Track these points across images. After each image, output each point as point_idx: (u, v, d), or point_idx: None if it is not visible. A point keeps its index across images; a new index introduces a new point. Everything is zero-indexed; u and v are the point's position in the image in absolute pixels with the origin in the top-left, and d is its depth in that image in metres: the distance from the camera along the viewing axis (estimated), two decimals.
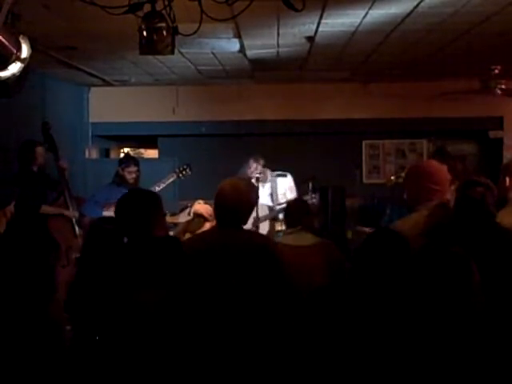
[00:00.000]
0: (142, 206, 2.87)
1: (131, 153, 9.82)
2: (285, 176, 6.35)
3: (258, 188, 5.68)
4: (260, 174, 6.05)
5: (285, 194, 6.24)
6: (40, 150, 5.89)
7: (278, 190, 6.24)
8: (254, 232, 4.61)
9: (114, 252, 3.56)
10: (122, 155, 9.32)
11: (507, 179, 3.78)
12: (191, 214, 4.37)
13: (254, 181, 5.83)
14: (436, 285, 2.39)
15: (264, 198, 6.00)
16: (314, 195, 6.05)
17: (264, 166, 6.16)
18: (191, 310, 2.66)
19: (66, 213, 5.83)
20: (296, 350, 2.65)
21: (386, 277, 2.52)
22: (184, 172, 6.27)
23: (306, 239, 3.89)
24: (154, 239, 2.82)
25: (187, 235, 4.09)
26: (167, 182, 6.09)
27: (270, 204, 6.09)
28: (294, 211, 4.08)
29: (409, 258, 2.56)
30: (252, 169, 6.06)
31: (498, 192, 3.69)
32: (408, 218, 3.42)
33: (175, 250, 2.81)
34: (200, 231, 3.98)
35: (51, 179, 6.04)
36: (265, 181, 6.17)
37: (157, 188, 6.01)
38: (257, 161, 6.11)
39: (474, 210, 3.12)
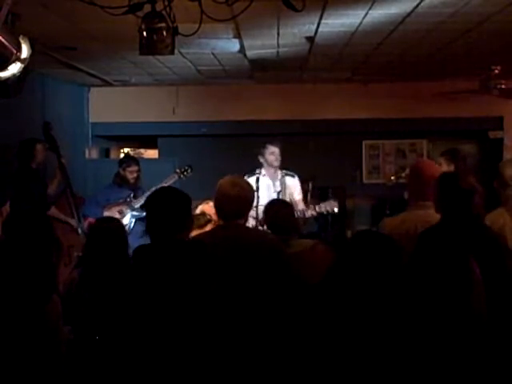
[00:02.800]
0: (175, 206, 2.76)
1: (131, 153, 9.82)
2: (293, 176, 6.08)
3: (258, 187, 5.63)
4: (280, 159, 5.83)
5: (292, 195, 5.97)
6: (40, 147, 5.88)
7: (286, 189, 5.98)
8: (260, 230, 4.60)
9: (119, 251, 3.55)
10: (121, 155, 9.34)
11: (500, 180, 3.79)
12: (197, 213, 4.35)
13: (254, 180, 5.77)
14: (436, 284, 2.38)
15: (272, 196, 5.66)
16: (314, 209, 5.83)
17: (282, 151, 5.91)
18: (185, 309, 2.66)
19: (72, 221, 5.82)
20: (294, 348, 2.65)
21: (371, 277, 2.52)
22: (185, 173, 6.28)
23: (294, 246, 3.83)
24: (180, 242, 2.74)
25: None
26: (169, 183, 6.09)
27: None
28: (275, 217, 3.97)
29: (395, 258, 2.55)
30: (275, 155, 5.81)
31: (493, 191, 3.71)
32: (396, 217, 3.45)
33: (202, 255, 2.77)
34: (197, 232, 3.98)
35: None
36: (275, 178, 5.94)
37: None
38: (275, 145, 5.85)
39: (461, 210, 3.10)
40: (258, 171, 5.85)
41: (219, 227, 3.39)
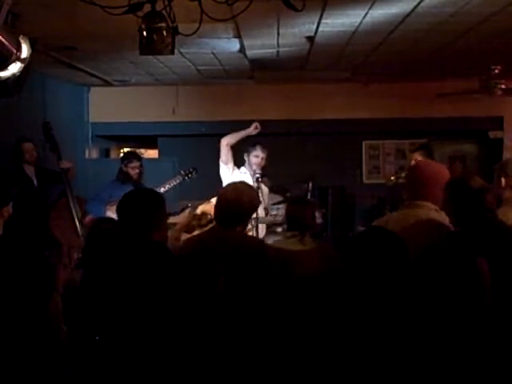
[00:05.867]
0: (144, 206, 2.85)
1: None
2: (267, 186, 6.01)
3: (261, 190, 5.60)
4: (263, 165, 5.76)
5: (263, 201, 5.75)
6: (27, 146, 5.87)
7: (262, 193, 5.93)
8: (250, 235, 4.60)
9: (111, 253, 3.56)
10: (121, 155, 9.33)
11: (503, 180, 3.78)
12: (199, 213, 4.35)
13: (254, 181, 5.75)
14: (443, 285, 2.35)
15: None
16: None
17: (267, 158, 5.75)
18: (182, 311, 2.67)
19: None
20: (287, 351, 2.65)
21: (378, 275, 2.51)
22: (190, 175, 6.28)
23: (308, 244, 3.83)
24: (148, 242, 2.81)
25: (184, 235, 4.08)
26: (173, 184, 6.09)
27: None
28: (297, 213, 3.94)
29: (402, 257, 2.54)
30: (259, 158, 5.67)
31: (494, 192, 3.70)
32: (388, 217, 3.44)
33: (164, 255, 2.81)
34: (198, 232, 3.98)
35: (54, 173, 6.03)
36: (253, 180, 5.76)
37: (162, 189, 6.01)
38: (264, 151, 5.72)
39: (475, 210, 3.08)
40: (241, 169, 5.80)
41: (212, 230, 3.39)
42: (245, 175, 5.57)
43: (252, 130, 5.86)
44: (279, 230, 5.70)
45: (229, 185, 3.53)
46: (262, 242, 3.68)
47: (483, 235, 2.95)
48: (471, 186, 3.11)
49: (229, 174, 5.67)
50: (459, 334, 2.29)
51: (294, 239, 3.81)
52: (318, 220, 5.56)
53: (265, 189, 5.96)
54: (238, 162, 5.85)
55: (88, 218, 5.74)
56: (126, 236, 2.85)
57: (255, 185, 5.31)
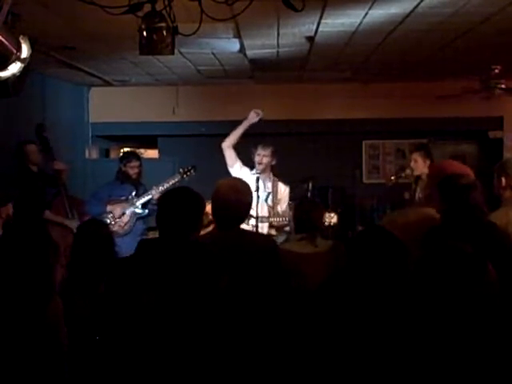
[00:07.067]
0: (189, 207, 2.75)
1: None
2: (286, 185, 5.94)
3: (257, 188, 5.59)
4: (266, 163, 5.66)
5: (279, 202, 5.84)
6: (30, 148, 5.85)
7: (277, 193, 5.85)
8: (257, 233, 4.59)
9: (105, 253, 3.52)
10: (121, 155, 9.34)
11: (503, 179, 3.78)
12: None
13: (254, 180, 5.74)
14: (448, 285, 2.34)
15: (261, 195, 5.50)
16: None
17: (273, 155, 5.73)
18: (194, 310, 2.66)
19: (66, 222, 5.79)
20: (293, 351, 2.65)
21: (379, 275, 2.51)
22: (188, 173, 6.27)
23: (320, 245, 3.80)
24: (190, 243, 2.73)
25: None
26: (171, 183, 6.08)
27: (270, 204, 5.86)
28: (306, 215, 3.94)
29: (400, 257, 2.54)
30: (261, 157, 5.66)
31: (493, 192, 3.72)
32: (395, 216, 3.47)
33: (207, 256, 2.76)
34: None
35: (50, 176, 6.04)
36: (266, 179, 5.75)
37: (160, 188, 6.00)
38: (265, 148, 5.71)
39: (464, 208, 3.12)
40: (253, 171, 5.78)
41: (216, 232, 3.35)
42: (253, 176, 5.55)
43: (253, 116, 5.85)
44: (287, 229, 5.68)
45: (223, 184, 3.39)
46: (271, 240, 3.62)
47: (463, 231, 2.97)
48: (458, 182, 3.17)
49: (238, 173, 5.66)
50: (468, 334, 2.28)
51: (305, 241, 3.79)
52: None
53: (282, 186, 5.88)
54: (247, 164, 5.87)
55: (87, 218, 5.75)
56: (169, 236, 2.74)
57: (255, 185, 5.30)
